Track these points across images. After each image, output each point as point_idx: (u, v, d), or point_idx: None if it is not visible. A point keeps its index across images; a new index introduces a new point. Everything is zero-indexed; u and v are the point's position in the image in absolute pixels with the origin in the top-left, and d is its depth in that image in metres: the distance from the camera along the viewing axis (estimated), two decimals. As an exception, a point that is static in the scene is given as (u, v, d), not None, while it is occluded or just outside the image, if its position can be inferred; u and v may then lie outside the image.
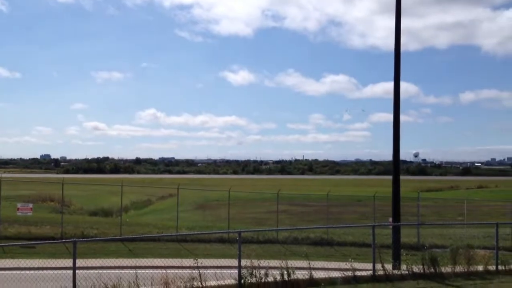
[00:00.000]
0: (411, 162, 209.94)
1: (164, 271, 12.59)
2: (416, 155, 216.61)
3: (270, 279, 12.52)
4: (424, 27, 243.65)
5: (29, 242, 21.17)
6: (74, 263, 11.50)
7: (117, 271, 15.16)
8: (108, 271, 14.08)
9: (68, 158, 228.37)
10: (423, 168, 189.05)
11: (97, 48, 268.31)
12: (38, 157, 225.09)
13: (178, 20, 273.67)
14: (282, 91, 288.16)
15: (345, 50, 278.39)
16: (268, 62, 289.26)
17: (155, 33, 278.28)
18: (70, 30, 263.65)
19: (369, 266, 14.05)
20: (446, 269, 14.21)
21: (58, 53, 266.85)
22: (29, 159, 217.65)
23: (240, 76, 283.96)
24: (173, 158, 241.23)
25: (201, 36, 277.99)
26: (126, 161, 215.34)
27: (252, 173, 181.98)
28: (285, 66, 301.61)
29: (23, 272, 14.20)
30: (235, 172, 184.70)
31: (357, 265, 14.37)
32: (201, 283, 12.03)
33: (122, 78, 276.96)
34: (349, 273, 13.45)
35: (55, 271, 15.02)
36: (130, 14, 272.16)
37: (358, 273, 13.54)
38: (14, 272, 14.20)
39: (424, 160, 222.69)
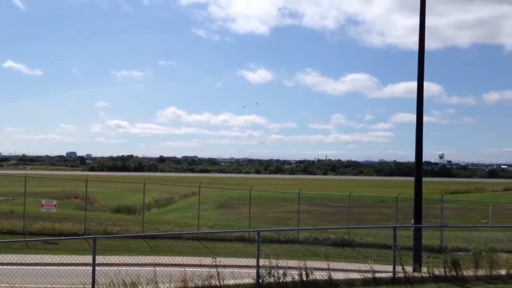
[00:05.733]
0: (436, 163, 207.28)
1: (183, 269, 12.66)
2: (441, 157, 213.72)
3: (289, 279, 12.49)
4: (445, 25, 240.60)
5: (51, 238, 21.54)
6: (94, 259, 11.64)
7: (136, 268, 15.31)
8: (128, 268, 14.18)
9: (93, 155, 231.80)
10: (448, 169, 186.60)
11: (115, 46, 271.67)
12: (65, 154, 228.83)
13: (195, 18, 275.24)
14: (302, 90, 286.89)
15: (364, 49, 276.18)
16: (286, 60, 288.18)
17: (171, 31, 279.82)
18: (87, 28, 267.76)
19: (390, 268, 13.89)
20: (468, 272, 13.98)
21: (77, 51, 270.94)
22: (55, 156, 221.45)
23: (258, 75, 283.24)
24: (196, 156, 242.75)
25: (218, 34, 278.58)
26: (150, 159, 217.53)
27: (275, 173, 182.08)
28: (303, 65, 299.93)
29: (45, 267, 14.41)
30: (257, 172, 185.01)
31: (377, 267, 14.23)
32: (219, 282, 12.06)
33: (142, 76, 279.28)
34: (369, 275, 13.35)
35: (76, 267, 15.23)
36: (146, 12, 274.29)
37: (378, 275, 13.41)
38: (36, 267, 14.39)
39: (449, 161, 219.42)
